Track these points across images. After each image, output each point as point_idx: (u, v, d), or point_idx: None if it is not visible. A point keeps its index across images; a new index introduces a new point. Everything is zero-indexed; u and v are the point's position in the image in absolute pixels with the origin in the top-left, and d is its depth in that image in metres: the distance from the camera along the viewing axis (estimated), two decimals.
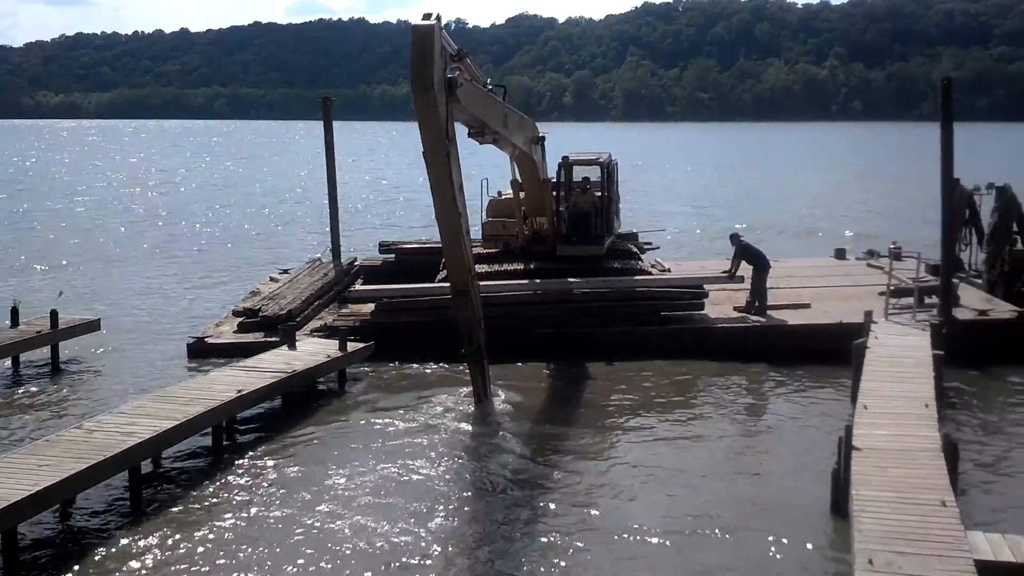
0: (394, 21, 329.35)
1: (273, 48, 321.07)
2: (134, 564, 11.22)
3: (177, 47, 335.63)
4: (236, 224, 46.75)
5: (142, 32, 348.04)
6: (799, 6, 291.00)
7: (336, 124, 28.60)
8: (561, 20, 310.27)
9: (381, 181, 72.92)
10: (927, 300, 20.37)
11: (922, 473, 11.51)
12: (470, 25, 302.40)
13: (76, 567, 11.17)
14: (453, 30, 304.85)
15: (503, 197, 24.20)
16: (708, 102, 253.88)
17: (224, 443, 15.10)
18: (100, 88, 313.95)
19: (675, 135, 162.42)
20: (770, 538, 11.79)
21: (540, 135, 22.82)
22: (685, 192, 61.55)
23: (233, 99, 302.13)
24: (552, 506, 12.87)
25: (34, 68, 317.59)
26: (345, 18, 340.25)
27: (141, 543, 11.72)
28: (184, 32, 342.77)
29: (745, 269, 21.53)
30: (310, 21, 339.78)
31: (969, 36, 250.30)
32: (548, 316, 20.72)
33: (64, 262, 34.20)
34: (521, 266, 22.64)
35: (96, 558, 11.39)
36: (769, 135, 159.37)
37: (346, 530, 12.06)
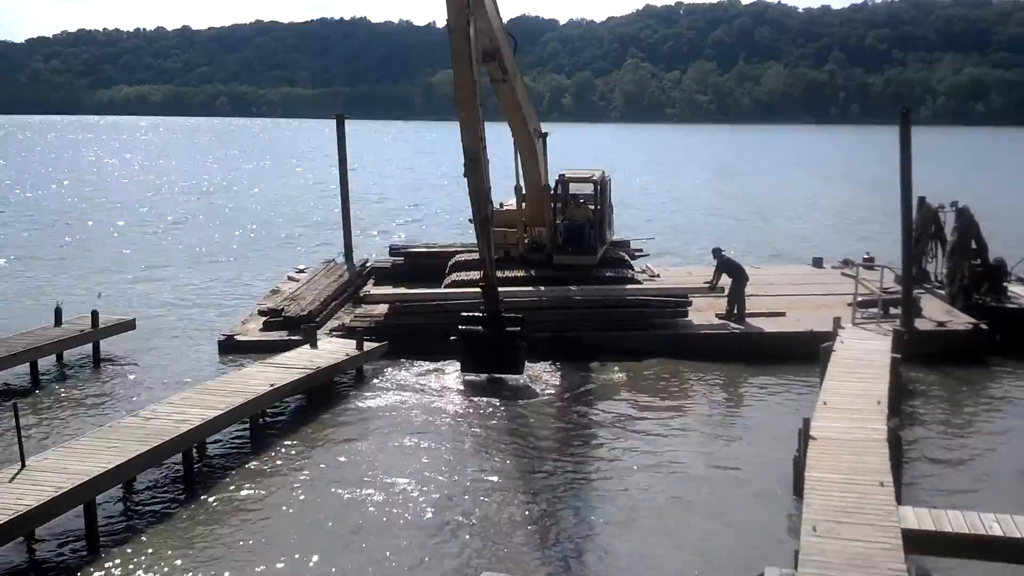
0: (396, 21, 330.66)
1: (274, 46, 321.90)
2: (192, 534, 13.15)
3: (179, 44, 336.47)
4: (252, 225, 48.78)
5: (144, 29, 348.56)
6: (800, 10, 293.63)
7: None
8: (562, 22, 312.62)
9: (385, 179, 75.08)
10: (892, 310, 22.31)
11: (867, 459, 13.38)
12: None
13: (143, 537, 13.04)
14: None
15: (505, 208, 26.14)
16: (707, 104, 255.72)
17: (260, 431, 17.06)
18: (101, 84, 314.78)
19: (673, 138, 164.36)
20: (741, 513, 13.93)
21: (543, 132, 24.94)
22: (678, 196, 63.61)
23: (234, 97, 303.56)
24: (554, 484, 14.90)
25: (36, 64, 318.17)
26: (347, 17, 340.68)
27: (197, 517, 13.68)
28: (186, 29, 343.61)
29: (726, 281, 23.52)
30: (311, 20, 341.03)
31: (968, 42, 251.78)
32: (547, 320, 22.57)
33: (93, 261, 36.38)
34: (521, 273, 24.60)
35: (160, 526, 13.35)
36: (767, 138, 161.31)
37: (372, 503, 14.09)
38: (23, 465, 12.97)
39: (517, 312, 20.82)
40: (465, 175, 19.22)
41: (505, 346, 20.04)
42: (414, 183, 75.30)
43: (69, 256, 38.10)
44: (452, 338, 20.47)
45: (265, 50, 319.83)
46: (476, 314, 20.56)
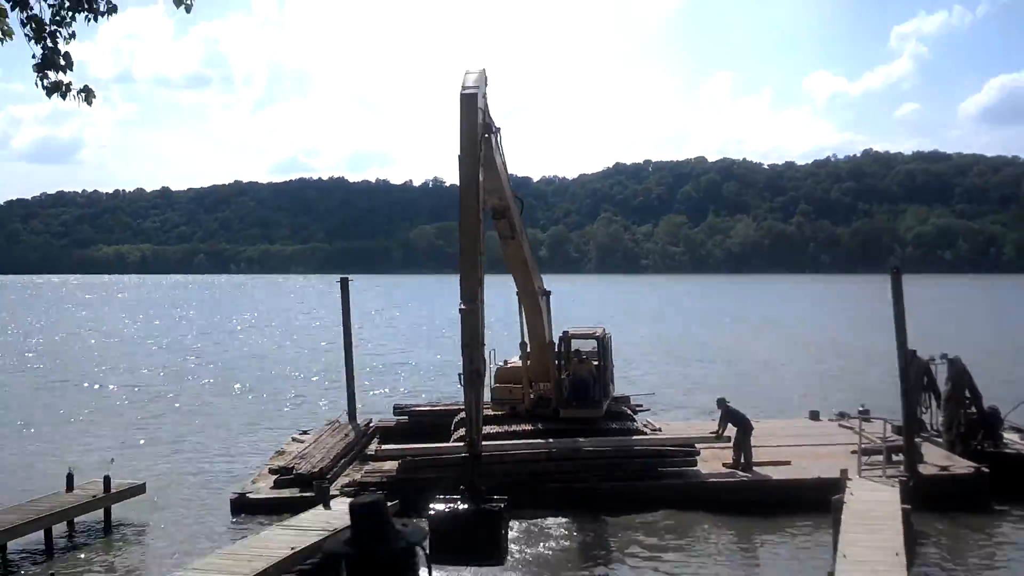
0: (373, 180, 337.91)
1: (253, 205, 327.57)
2: None
3: (157, 205, 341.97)
4: (252, 385, 48.62)
5: (123, 191, 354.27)
6: (765, 166, 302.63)
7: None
8: (535, 179, 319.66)
9: (381, 335, 75.61)
10: (895, 457, 22.83)
11: None
12: (447, 184, 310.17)
13: None
14: (430, 188, 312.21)
15: (510, 365, 26.74)
16: (680, 256, 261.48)
17: None
18: (79, 244, 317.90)
19: (651, 289, 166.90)
20: None
21: (547, 290, 25.93)
22: (667, 349, 64.50)
23: (212, 254, 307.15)
24: None
25: (13, 225, 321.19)
26: (325, 177, 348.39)
27: None
28: (165, 191, 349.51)
29: (731, 430, 24.02)
30: (290, 180, 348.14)
31: (930, 193, 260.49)
32: (556, 472, 22.95)
33: (98, 425, 36.48)
34: (529, 427, 25.00)
35: None
36: (741, 289, 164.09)
37: None
38: None
39: (517, 474, 20.96)
40: (461, 313, 17.19)
41: (482, 529, 16.38)
42: (406, 338, 75.84)
43: (75, 420, 37.93)
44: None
45: (244, 208, 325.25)
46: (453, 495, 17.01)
